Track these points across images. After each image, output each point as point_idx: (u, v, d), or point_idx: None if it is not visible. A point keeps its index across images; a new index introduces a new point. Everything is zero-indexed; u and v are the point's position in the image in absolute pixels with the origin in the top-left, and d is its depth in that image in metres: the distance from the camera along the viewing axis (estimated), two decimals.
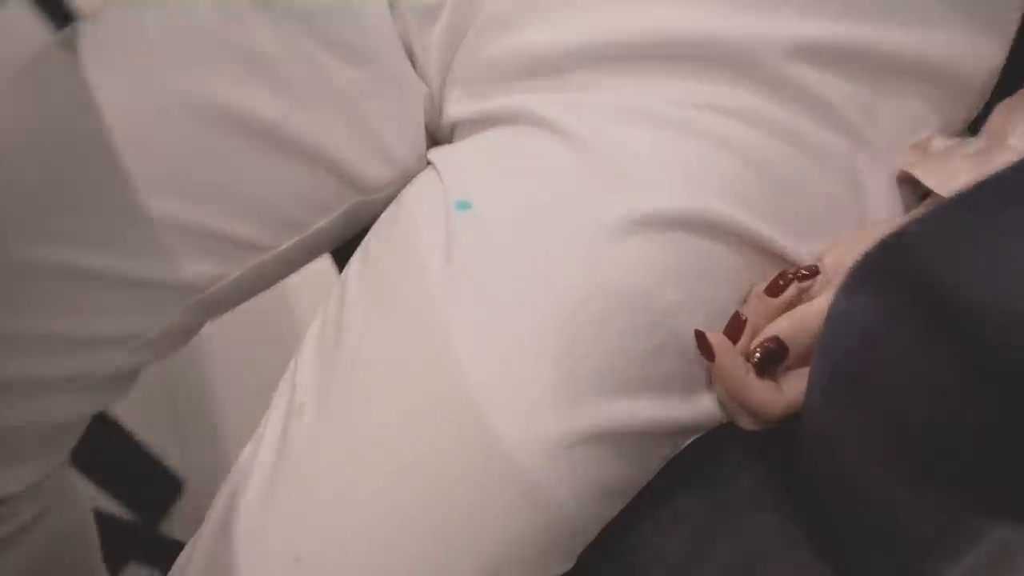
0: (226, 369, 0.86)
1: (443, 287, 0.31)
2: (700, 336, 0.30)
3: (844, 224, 0.35)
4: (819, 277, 0.32)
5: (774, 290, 0.32)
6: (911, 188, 0.36)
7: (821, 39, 0.34)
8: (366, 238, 0.39)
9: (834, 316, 0.27)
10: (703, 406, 0.33)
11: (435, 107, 0.43)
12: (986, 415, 0.22)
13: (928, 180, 0.33)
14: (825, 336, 0.28)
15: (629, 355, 0.31)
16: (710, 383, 0.33)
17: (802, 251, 0.34)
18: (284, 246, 0.40)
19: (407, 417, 0.30)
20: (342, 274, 0.38)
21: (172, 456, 0.79)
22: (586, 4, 0.35)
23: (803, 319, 0.31)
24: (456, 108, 0.40)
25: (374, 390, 0.31)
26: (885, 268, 0.25)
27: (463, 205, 0.33)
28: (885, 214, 0.36)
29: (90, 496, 0.68)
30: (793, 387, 0.31)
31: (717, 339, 0.30)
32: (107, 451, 0.70)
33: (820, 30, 0.33)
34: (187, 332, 0.43)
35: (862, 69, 0.35)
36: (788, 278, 0.32)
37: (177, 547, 0.35)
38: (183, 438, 0.83)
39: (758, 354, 0.31)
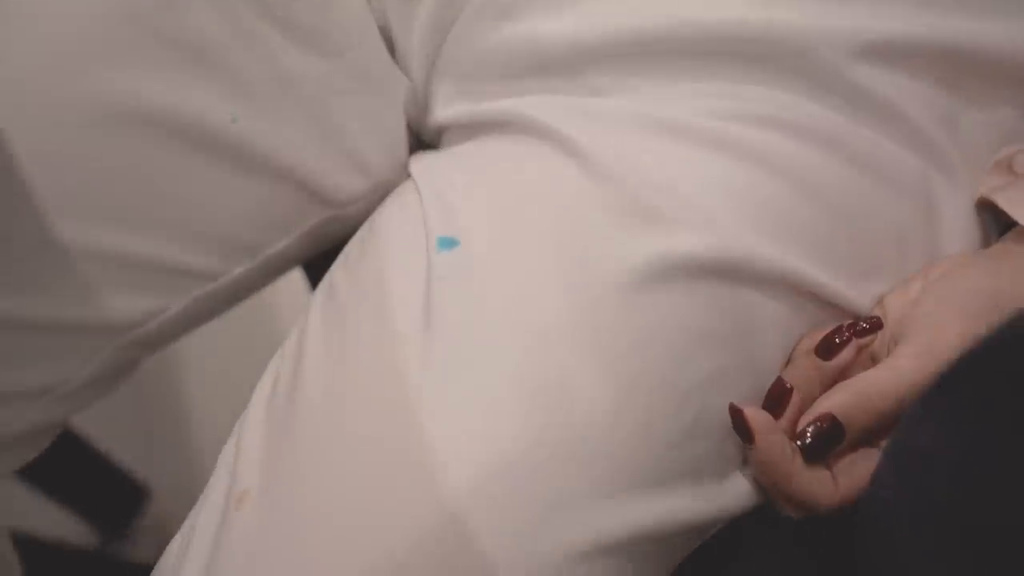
0: (198, 374, 0.80)
1: (419, 363, 0.25)
2: (736, 413, 0.24)
3: (913, 261, 0.29)
4: (882, 331, 0.26)
5: (828, 350, 0.25)
6: (993, 215, 0.29)
7: (897, 35, 0.27)
8: (333, 267, 0.32)
9: (911, 446, 0.20)
10: (738, 489, 0.26)
11: (419, 104, 0.35)
12: None
13: (1015, 212, 0.26)
14: (902, 462, 0.21)
15: (650, 444, 0.25)
16: (746, 461, 0.27)
17: (863, 297, 0.28)
18: (236, 272, 0.33)
19: (372, 521, 0.24)
20: (307, 310, 0.31)
21: (137, 465, 0.74)
22: None
23: (863, 392, 0.24)
24: (445, 110, 0.33)
25: (331, 483, 0.25)
26: (994, 383, 0.18)
27: (447, 243, 0.26)
28: (962, 248, 0.29)
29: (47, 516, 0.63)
30: (850, 476, 0.24)
31: (757, 416, 0.24)
32: (65, 461, 0.65)
33: (896, 23, 0.27)
34: (122, 372, 0.35)
35: (945, 70, 0.28)
36: (845, 336, 0.25)
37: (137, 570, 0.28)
38: (149, 445, 0.78)
39: (809, 436, 0.24)
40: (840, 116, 0.27)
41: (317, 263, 0.37)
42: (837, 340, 0.25)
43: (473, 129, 0.32)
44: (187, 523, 0.27)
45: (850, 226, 0.28)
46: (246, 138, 0.31)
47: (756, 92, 0.28)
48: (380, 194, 0.34)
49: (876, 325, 0.26)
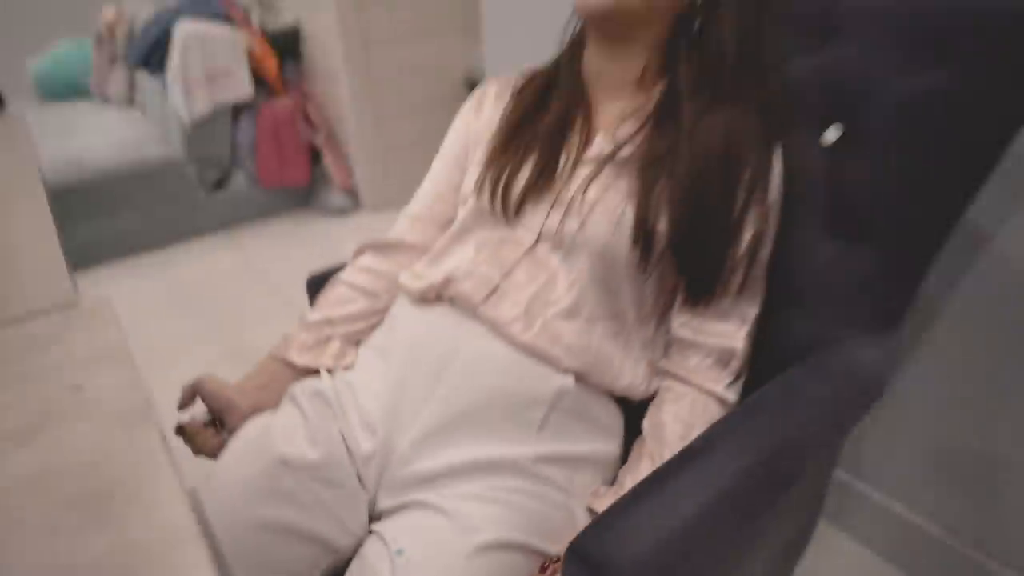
0: None
1: None
2: None
3: (568, 534, 0.62)
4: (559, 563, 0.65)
5: (543, 570, 0.67)
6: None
7: (552, 453, 0.73)
8: None
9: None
10: None
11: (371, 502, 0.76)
12: None
13: (597, 506, 0.73)
14: None
15: None
16: None
17: (553, 550, 0.68)
18: None
19: None
20: None
21: None
22: (449, 444, 0.73)
23: None
24: (383, 501, 0.74)
25: None
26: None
27: (399, 552, 0.65)
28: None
29: None
30: None
31: None
32: None
33: (550, 447, 0.74)
34: None
35: (567, 464, 0.75)
36: (551, 562, 0.67)
37: None
38: None
39: None
40: (532, 485, 0.71)
41: None
42: (546, 565, 0.67)
43: (399, 508, 0.74)
44: None
45: (544, 523, 0.70)
46: (307, 527, 0.72)
47: (502, 482, 0.71)
48: (360, 542, 0.75)
49: (558, 558, 0.66)
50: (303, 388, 0.82)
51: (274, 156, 2.68)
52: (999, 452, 1.05)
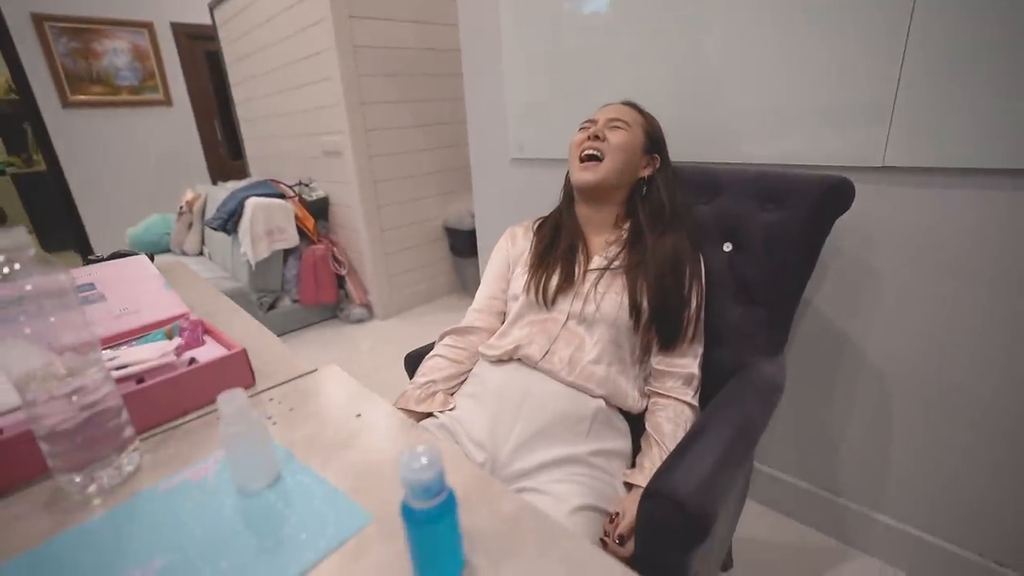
0: None
1: None
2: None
3: (616, 499, 0.75)
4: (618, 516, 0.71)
5: (611, 521, 0.71)
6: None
7: (598, 449, 0.78)
8: None
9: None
10: None
11: None
12: None
13: (630, 479, 0.77)
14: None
15: None
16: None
17: (611, 509, 0.73)
18: None
19: None
20: None
21: None
22: (534, 450, 0.78)
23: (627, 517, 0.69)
24: None
25: None
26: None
27: None
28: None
29: None
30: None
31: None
32: None
33: (596, 445, 0.79)
34: None
35: (606, 456, 0.80)
36: (614, 515, 0.71)
37: None
38: None
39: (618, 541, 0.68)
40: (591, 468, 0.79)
41: None
42: (613, 516, 0.71)
43: None
44: None
45: (607, 493, 0.76)
46: None
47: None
48: None
49: (618, 514, 0.71)
50: (429, 423, 0.84)
51: (312, 284, 2.66)
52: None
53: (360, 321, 2.78)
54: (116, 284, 0.76)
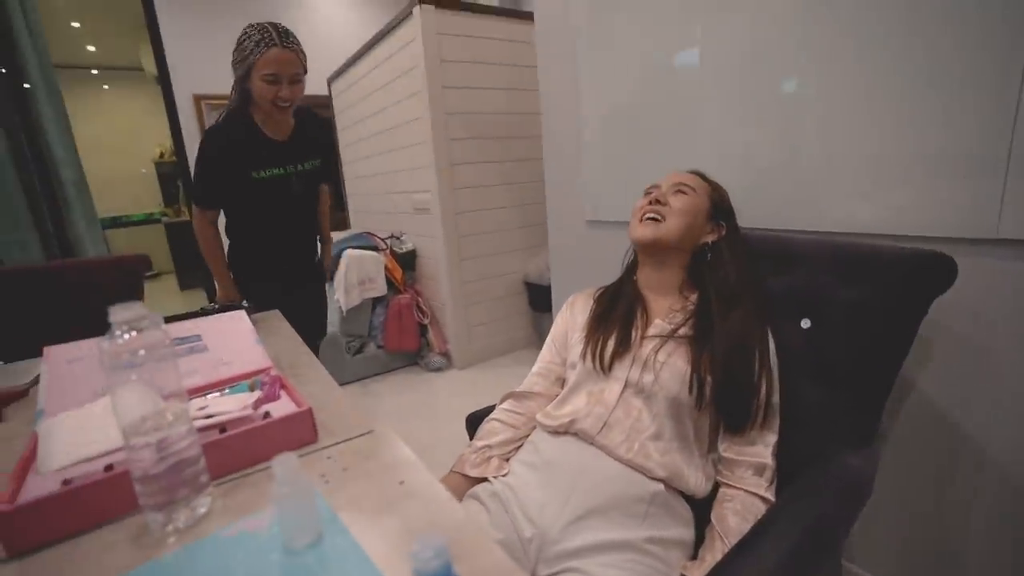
0: None
1: None
2: None
3: None
4: None
5: None
6: None
7: (654, 536, 0.75)
8: None
9: None
10: None
11: (532, 572, 0.74)
12: None
13: (689, 573, 0.73)
14: None
15: None
16: None
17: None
18: None
19: None
20: None
21: None
22: (585, 530, 0.75)
23: None
24: (541, 570, 0.74)
25: None
26: None
27: None
28: None
29: None
30: None
31: None
32: None
33: (652, 532, 0.75)
34: None
35: (664, 544, 0.75)
36: None
37: None
38: None
39: None
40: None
41: None
42: None
43: None
44: None
45: None
46: None
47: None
48: None
49: None
50: (482, 489, 0.84)
51: (396, 331, 2.82)
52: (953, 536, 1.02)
53: (439, 370, 2.88)
54: (217, 336, 0.88)
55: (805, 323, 0.88)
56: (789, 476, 0.78)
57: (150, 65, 4.20)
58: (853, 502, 0.72)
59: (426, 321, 2.89)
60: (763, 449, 0.80)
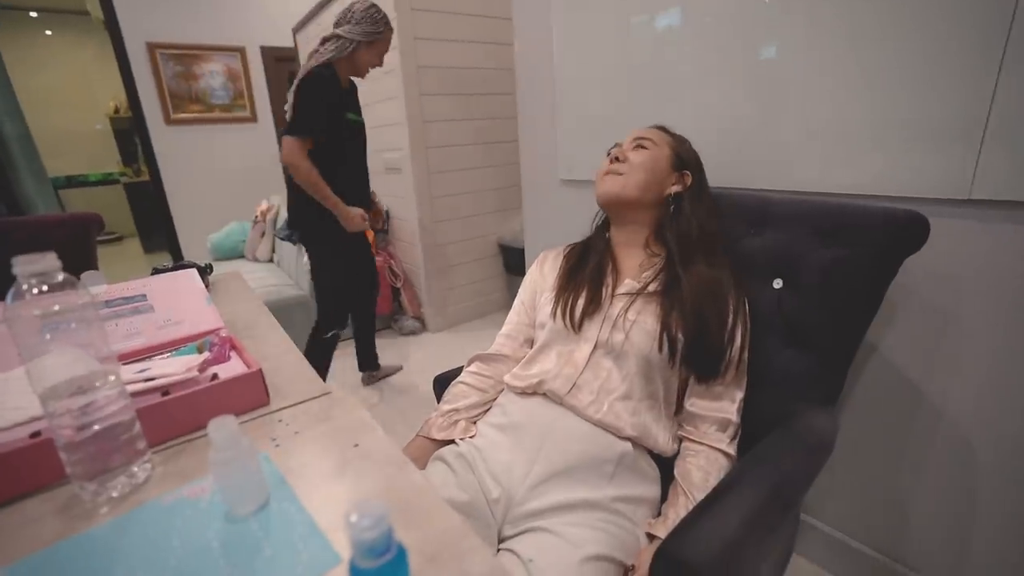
0: None
1: None
2: None
3: (637, 551, 0.71)
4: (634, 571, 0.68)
5: (625, 574, 0.68)
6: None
7: (622, 495, 0.75)
8: None
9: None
10: None
11: (499, 531, 0.74)
12: None
13: (653, 531, 0.72)
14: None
15: None
16: None
17: (629, 562, 0.69)
18: None
19: None
20: None
21: None
22: (552, 490, 0.74)
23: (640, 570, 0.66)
24: (507, 530, 0.73)
25: None
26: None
27: (530, 560, 0.66)
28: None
29: None
30: None
31: None
32: None
33: (620, 491, 0.75)
34: None
35: (631, 502, 0.75)
36: (629, 570, 0.68)
37: None
38: None
39: None
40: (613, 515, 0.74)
41: None
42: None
43: None
44: None
45: (628, 544, 0.71)
46: None
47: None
48: None
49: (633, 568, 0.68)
50: (448, 451, 0.83)
51: None
52: (903, 482, 1.06)
53: (412, 333, 2.85)
54: (165, 296, 0.83)
55: (777, 283, 0.87)
56: (754, 437, 0.78)
57: (96, 9, 3.87)
58: (816, 460, 0.72)
59: (399, 284, 2.84)
60: (729, 405, 0.80)
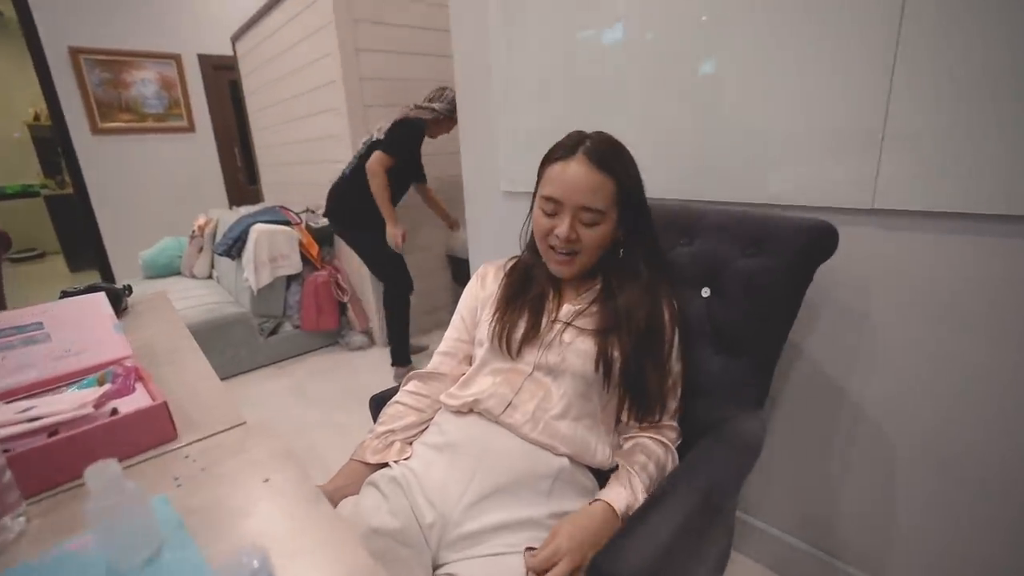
0: None
1: None
2: None
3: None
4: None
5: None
6: None
7: (558, 511, 0.73)
8: None
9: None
10: None
11: (434, 557, 0.71)
12: None
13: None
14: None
15: None
16: None
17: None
18: None
19: None
20: None
21: None
22: (488, 511, 0.72)
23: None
24: (445, 555, 0.71)
25: None
26: None
27: None
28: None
29: None
30: None
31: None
32: None
33: (556, 507, 0.74)
34: None
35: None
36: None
37: None
38: None
39: None
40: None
41: None
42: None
43: None
44: None
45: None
46: None
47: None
48: None
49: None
50: (381, 476, 0.79)
51: (314, 309, 2.67)
52: (834, 482, 1.10)
53: (360, 348, 2.77)
54: (66, 323, 0.76)
55: (705, 292, 0.89)
56: (687, 443, 0.80)
57: (9, 9, 3.59)
58: (744, 463, 0.74)
59: (346, 299, 2.76)
60: (667, 419, 0.81)
